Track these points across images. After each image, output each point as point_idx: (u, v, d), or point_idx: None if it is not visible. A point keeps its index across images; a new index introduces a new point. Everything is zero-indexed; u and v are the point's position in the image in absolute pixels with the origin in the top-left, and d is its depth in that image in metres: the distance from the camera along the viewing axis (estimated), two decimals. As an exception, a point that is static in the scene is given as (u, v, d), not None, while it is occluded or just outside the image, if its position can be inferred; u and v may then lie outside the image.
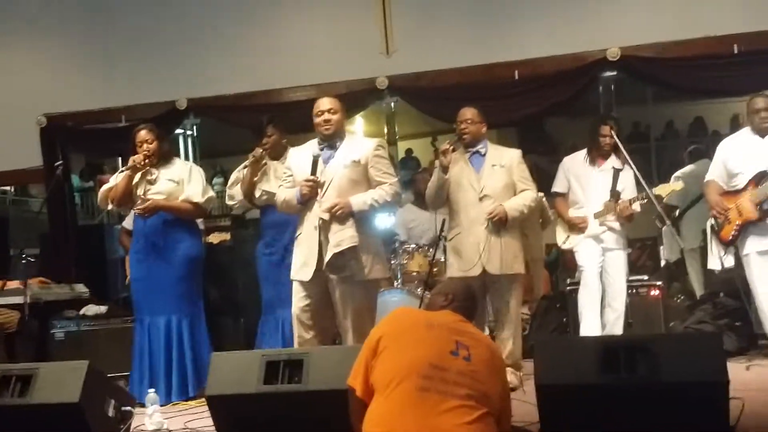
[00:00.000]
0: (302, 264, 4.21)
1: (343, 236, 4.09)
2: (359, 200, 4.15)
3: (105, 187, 5.06)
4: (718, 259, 5.07)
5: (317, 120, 4.27)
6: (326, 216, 4.09)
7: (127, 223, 6.14)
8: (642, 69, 6.18)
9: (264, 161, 4.94)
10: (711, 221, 5.10)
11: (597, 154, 5.22)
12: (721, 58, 5.89)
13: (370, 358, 2.82)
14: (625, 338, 4.20)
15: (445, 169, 4.60)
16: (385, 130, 7.58)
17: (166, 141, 5.18)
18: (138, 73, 6.97)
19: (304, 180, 4.19)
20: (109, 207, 5.17)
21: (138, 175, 4.92)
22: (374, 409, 2.72)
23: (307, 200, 4.19)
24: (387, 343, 2.80)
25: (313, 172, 4.18)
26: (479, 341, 2.88)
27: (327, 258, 4.08)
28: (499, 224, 4.52)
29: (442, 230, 5.26)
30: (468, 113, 4.72)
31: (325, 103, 4.30)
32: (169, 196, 4.91)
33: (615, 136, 5.10)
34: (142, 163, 4.85)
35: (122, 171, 4.96)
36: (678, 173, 6.53)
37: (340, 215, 4.09)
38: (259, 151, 4.91)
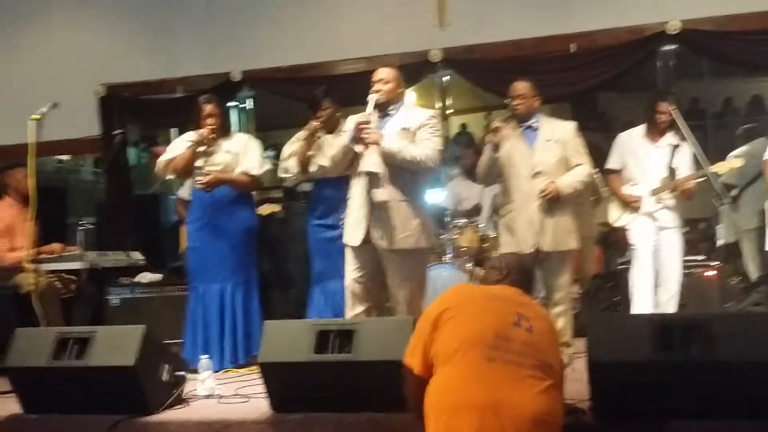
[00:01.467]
0: (351, 228, 4.23)
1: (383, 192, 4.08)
2: (391, 140, 4.12)
3: (164, 157, 5.11)
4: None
5: (371, 91, 4.26)
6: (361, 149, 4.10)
7: (183, 193, 6.23)
8: (701, 43, 6.02)
9: (319, 134, 4.94)
10: (768, 201, 4.99)
11: (654, 131, 5.12)
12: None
13: (429, 333, 2.81)
14: (680, 316, 4.12)
15: (495, 148, 4.54)
16: (438, 105, 7.52)
17: (225, 114, 5.20)
18: (194, 44, 7.01)
19: (357, 117, 4.18)
20: (168, 176, 5.23)
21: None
22: (439, 380, 2.71)
23: (358, 139, 4.15)
24: (449, 315, 2.79)
25: (370, 112, 4.18)
26: (538, 313, 2.88)
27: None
28: (552, 201, 4.47)
29: (493, 206, 5.23)
30: (520, 87, 4.62)
31: (379, 73, 4.30)
32: (226, 167, 4.95)
33: (674, 114, 5.00)
34: (210, 137, 4.88)
35: (186, 142, 4.99)
36: (735, 152, 6.37)
37: (369, 140, 4.08)
38: (313, 124, 4.91)
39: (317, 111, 4.98)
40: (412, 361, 2.85)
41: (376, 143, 4.10)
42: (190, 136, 5.03)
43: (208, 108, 4.95)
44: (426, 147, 4.17)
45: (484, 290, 2.99)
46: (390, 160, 4.11)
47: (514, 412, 2.56)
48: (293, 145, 5.08)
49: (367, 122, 4.14)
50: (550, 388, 2.66)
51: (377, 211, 4.13)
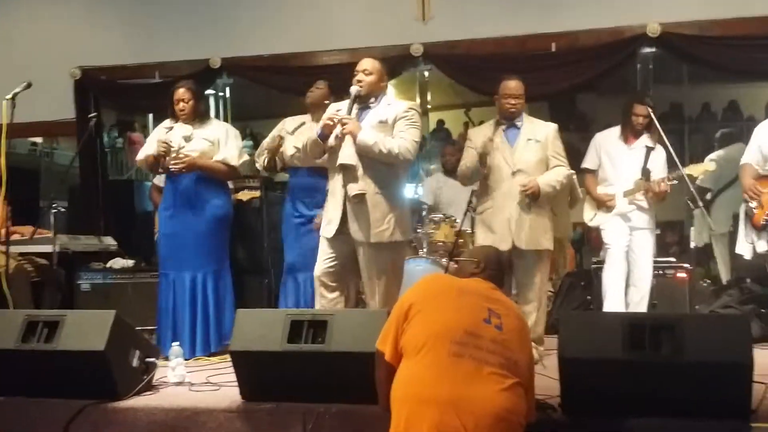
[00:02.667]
0: (327, 221, 4.24)
1: (358, 185, 4.10)
2: (368, 132, 4.12)
3: (142, 152, 5.11)
4: (748, 245, 5.01)
5: (354, 81, 4.25)
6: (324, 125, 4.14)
7: (158, 179, 6.18)
8: (682, 46, 6.07)
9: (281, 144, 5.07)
10: (743, 206, 5.04)
11: (629, 133, 5.16)
12: (764, 39, 5.78)
13: (401, 322, 2.81)
14: (651, 316, 4.17)
15: (483, 163, 4.52)
16: (418, 100, 7.53)
17: (202, 100, 5.20)
18: (173, 29, 6.96)
19: (326, 114, 4.19)
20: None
21: (170, 133, 4.95)
22: (405, 373, 2.72)
23: (327, 134, 4.17)
24: (420, 307, 2.79)
25: (349, 111, 4.17)
26: (510, 310, 2.88)
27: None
28: (532, 198, 4.48)
29: (470, 202, 5.24)
30: (516, 87, 4.59)
31: (362, 64, 4.28)
32: (203, 154, 4.93)
33: (652, 115, 5.04)
34: (164, 157, 4.85)
35: (163, 129, 5.01)
36: (711, 156, 6.44)
37: (344, 133, 4.09)
38: (278, 138, 5.06)
39: (311, 88, 5.07)
40: (384, 346, 2.86)
41: (353, 134, 4.09)
42: (167, 123, 5.05)
43: (180, 92, 4.95)
44: (402, 139, 4.15)
45: (458, 284, 2.98)
46: (365, 152, 4.11)
47: (475, 408, 2.57)
48: (268, 142, 5.16)
49: (333, 119, 4.14)
50: (515, 386, 2.67)
51: (353, 205, 4.13)
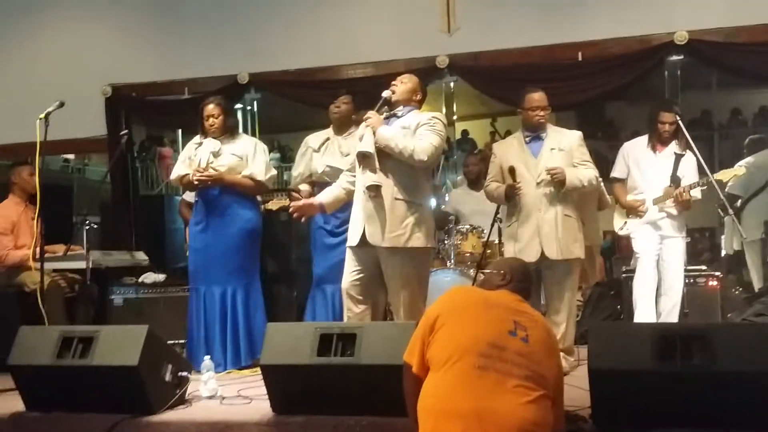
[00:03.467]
0: (351, 229, 4.26)
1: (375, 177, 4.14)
2: (387, 129, 4.14)
3: (175, 171, 5.18)
4: (779, 251, 4.96)
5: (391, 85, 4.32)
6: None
7: (188, 195, 6.25)
8: (709, 53, 6.02)
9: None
10: (774, 212, 4.99)
11: (657, 140, 5.14)
12: (791, 46, 5.74)
13: (427, 335, 2.82)
14: (682, 326, 4.12)
15: (509, 198, 4.59)
16: (444, 111, 7.54)
17: (232, 115, 5.25)
18: (202, 46, 7.02)
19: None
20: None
21: (199, 149, 5.01)
22: (431, 385, 2.73)
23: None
24: (445, 320, 2.80)
25: (379, 110, 4.22)
26: (536, 322, 2.87)
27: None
28: (557, 186, 4.45)
29: (497, 212, 5.24)
30: (541, 99, 4.61)
31: (402, 75, 4.36)
32: (231, 169, 4.98)
33: (680, 122, 5.01)
34: (197, 183, 4.95)
35: (193, 144, 5.09)
36: (741, 162, 6.38)
37: (366, 126, 4.14)
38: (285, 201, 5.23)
39: (334, 102, 5.14)
40: (411, 359, 2.87)
41: (373, 128, 4.12)
42: (197, 139, 5.11)
43: (209, 108, 5.01)
44: (420, 140, 4.13)
45: (484, 296, 2.98)
46: (383, 146, 4.10)
47: (499, 420, 2.57)
48: (302, 159, 5.21)
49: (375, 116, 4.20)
50: (541, 398, 2.66)
51: (371, 203, 4.12)
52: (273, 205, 5.39)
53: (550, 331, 2.97)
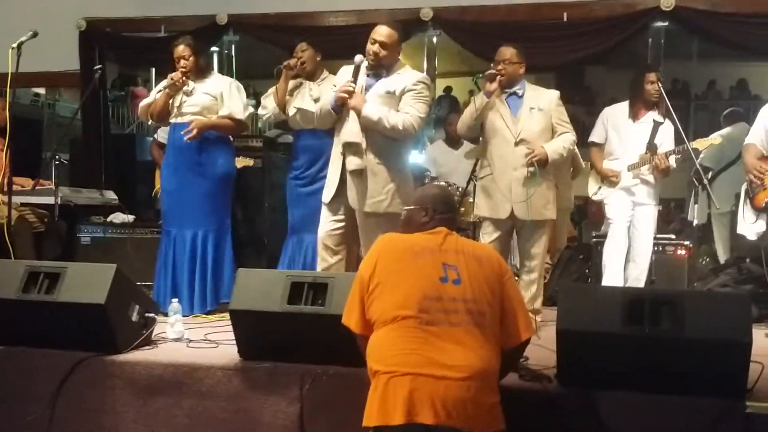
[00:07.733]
0: (327, 186, 4.25)
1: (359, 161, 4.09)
2: (372, 108, 4.09)
3: (145, 102, 5.06)
4: (749, 225, 5.00)
5: (368, 46, 4.19)
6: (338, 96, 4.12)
7: (160, 135, 6.15)
8: (694, 21, 6.03)
9: (300, 80, 4.98)
10: (745, 186, 5.02)
11: (640, 106, 5.11)
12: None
13: (364, 295, 2.83)
14: (652, 291, 4.13)
15: (488, 94, 4.47)
16: (425, 65, 7.47)
17: (203, 55, 5.14)
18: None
19: (341, 85, 4.16)
20: (150, 122, 5.17)
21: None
22: (376, 342, 2.74)
23: (341, 105, 4.15)
24: (378, 278, 2.79)
25: (354, 78, 4.15)
26: (465, 254, 2.85)
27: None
28: (539, 165, 4.41)
29: (473, 171, 5.22)
30: (507, 53, 4.55)
31: (379, 33, 4.18)
32: (204, 109, 4.89)
33: (661, 89, 5.01)
34: (180, 81, 4.83)
35: (160, 91, 4.94)
36: (715, 134, 6.41)
37: (350, 105, 4.08)
38: (290, 62, 4.94)
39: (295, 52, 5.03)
40: (349, 321, 2.88)
41: (356, 110, 4.07)
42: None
43: (179, 49, 4.90)
44: (407, 114, 4.12)
45: (409, 244, 2.90)
46: (370, 126, 4.09)
47: (447, 371, 2.60)
48: (275, 87, 5.10)
49: (351, 90, 4.11)
50: (485, 343, 2.69)
51: (352, 177, 4.13)
52: (237, 163, 5.32)
53: (483, 256, 2.91)
